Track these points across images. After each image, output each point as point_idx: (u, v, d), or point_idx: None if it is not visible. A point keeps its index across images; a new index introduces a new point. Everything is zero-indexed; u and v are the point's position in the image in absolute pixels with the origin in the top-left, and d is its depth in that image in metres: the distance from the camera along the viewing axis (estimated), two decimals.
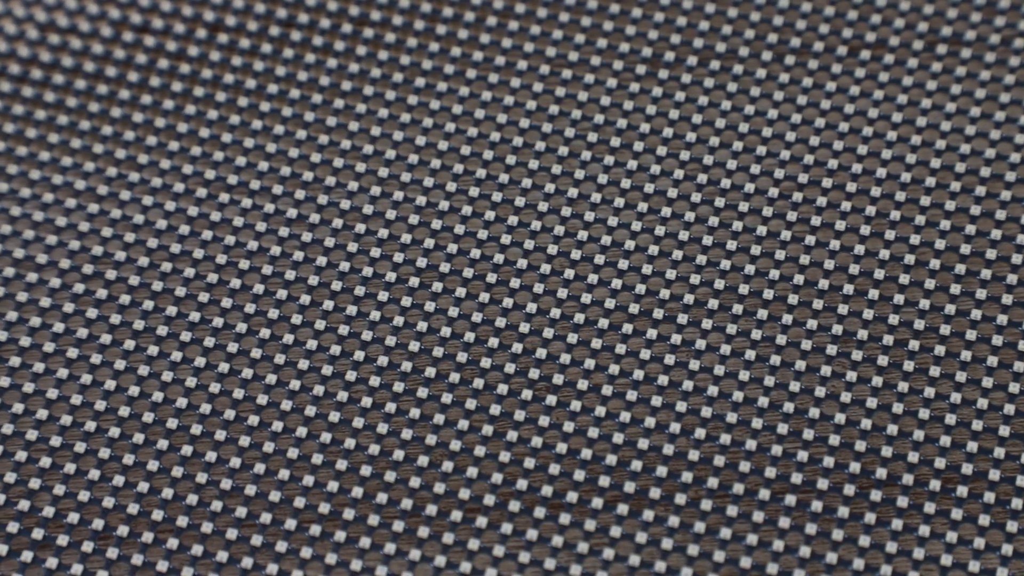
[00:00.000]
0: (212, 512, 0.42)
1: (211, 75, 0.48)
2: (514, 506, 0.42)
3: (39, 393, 0.44)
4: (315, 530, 0.42)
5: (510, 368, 0.44)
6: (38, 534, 0.42)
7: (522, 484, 0.42)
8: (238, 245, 0.45)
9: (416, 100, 0.47)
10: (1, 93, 0.48)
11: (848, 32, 0.47)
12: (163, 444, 0.43)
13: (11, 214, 0.46)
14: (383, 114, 0.47)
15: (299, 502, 0.42)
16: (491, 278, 0.45)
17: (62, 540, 0.42)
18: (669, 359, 0.43)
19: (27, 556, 0.42)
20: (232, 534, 0.42)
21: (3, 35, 0.49)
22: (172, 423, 0.43)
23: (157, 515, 0.42)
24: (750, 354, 0.43)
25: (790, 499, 0.42)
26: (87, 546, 0.42)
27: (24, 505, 0.42)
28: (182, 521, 0.42)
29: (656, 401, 0.43)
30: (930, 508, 0.42)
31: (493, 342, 0.44)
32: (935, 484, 0.42)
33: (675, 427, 0.43)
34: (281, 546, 0.42)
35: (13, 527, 0.42)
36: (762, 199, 0.45)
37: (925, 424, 0.42)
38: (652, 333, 0.44)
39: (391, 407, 0.43)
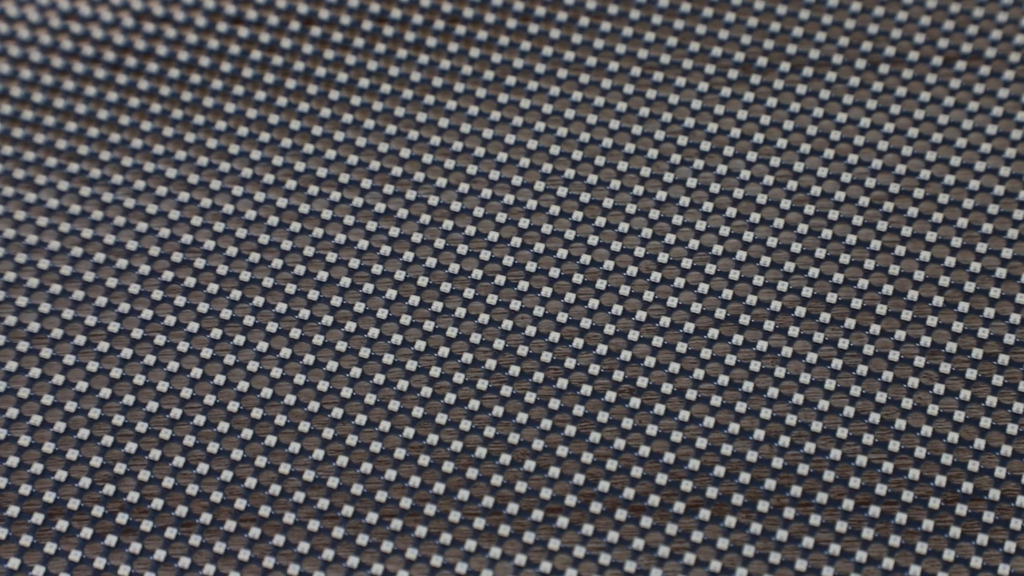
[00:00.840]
0: (295, 503, 0.43)
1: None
2: (595, 507, 0.42)
3: (126, 379, 0.44)
4: (396, 524, 0.42)
5: (594, 369, 0.44)
6: (122, 519, 0.42)
7: (604, 486, 0.42)
8: (326, 238, 0.46)
9: (506, 98, 0.47)
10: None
11: (944, 42, 0.47)
12: (247, 434, 0.43)
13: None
14: (473, 111, 0.47)
15: (381, 496, 0.43)
16: (577, 278, 0.45)
17: (146, 525, 0.42)
18: (755, 365, 0.43)
19: (111, 540, 0.42)
20: (314, 526, 0.42)
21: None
22: (256, 413, 0.43)
23: (240, 504, 0.42)
24: (836, 363, 0.43)
25: (874, 510, 0.42)
26: (170, 532, 0.42)
27: (109, 489, 0.43)
28: (288, 518, 0.42)
29: (740, 407, 0.43)
30: (1016, 524, 0.41)
31: (578, 342, 0.44)
32: (1022, 500, 0.41)
33: (759, 434, 0.42)
34: (362, 539, 0.42)
35: (98, 511, 0.42)
36: (852, 207, 0.45)
37: (1013, 439, 0.42)
38: (738, 339, 0.44)
39: (474, 404, 0.43)
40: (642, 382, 0.43)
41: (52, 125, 0.47)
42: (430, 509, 0.42)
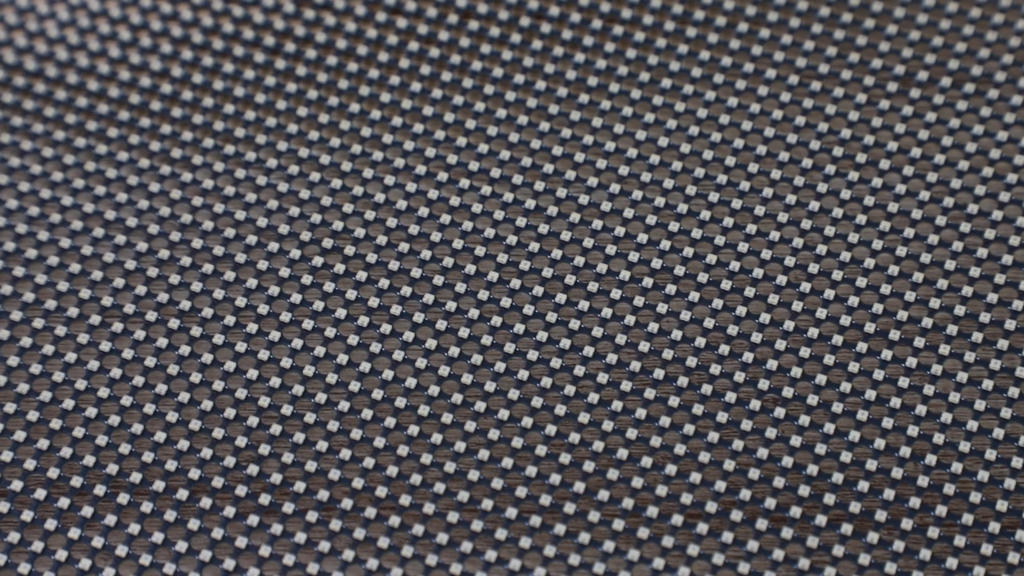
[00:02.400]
0: (435, 494, 0.43)
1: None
2: (736, 515, 0.42)
3: (273, 361, 0.44)
4: (535, 521, 0.42)
5: (739, 377, 0.43)
6: (264, 499, 0.43)
7: (745, 494, 0.42)
8: (475, 231, 0.46)
9: (661, 100, 0.47)
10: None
11: None
12: (390, 422, 0.43)
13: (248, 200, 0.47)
14: (627, 112, 0.47)
15: (521, 491, 0.43)
16: (725, 284, 0.44)
17: (287, 508, 0.43)
18: (903, 382, 0.43)
19: (253, 520, 0.43)
20: (454, 517, 0.42)
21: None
22: (400, 402, 0.44)
23: (380, 491, 0.43)
24: (987, 384, 0.43)
25: (1021, 535, 0.41)
26: (311, 515, 0.43)
27: (253, 470, 0.43)
28: (428, 509, 0.43)
29: (887, 423, 0.42)
30: None
31: (724, 349, 0.44)
32: None
33: (905, 451, 0.42)
34: (501, 534, 0.42)
35: (241, 490, 0.43)
36: (1008, 227, 0.44)
37: None
38: (887, 354, 0.43)
39: (617, 405, 0.43)
40: (788, 392, 0.43)
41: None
42: (569, 507, 0.42)
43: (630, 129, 0.47)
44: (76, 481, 0.43)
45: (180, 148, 0.47)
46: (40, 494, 0.43)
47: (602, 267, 0.45)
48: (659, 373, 0.44)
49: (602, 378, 0.44)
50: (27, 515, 0.43)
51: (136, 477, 0.43)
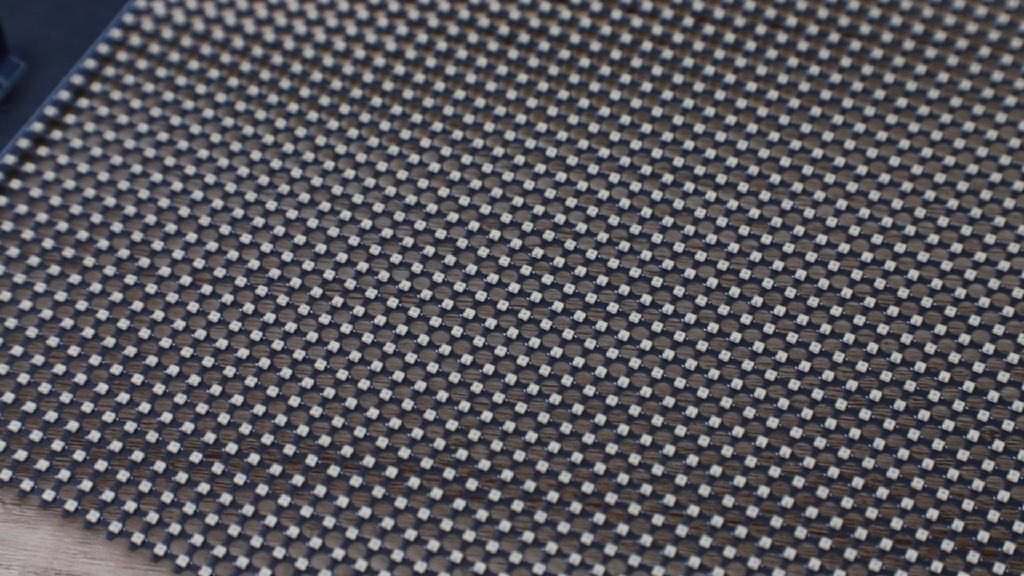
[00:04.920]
0: (641, 495, 0.43)
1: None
2: (947, 545, 0.41)
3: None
4: (741, 532, 0.42)
5: (958, 405, 0.43)
6: (471, 484, 0.43)
7: (958, 525, 0.42)
8: (683, 229, 0.46)
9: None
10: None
11: None
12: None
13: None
14: (835, 117, 0.47)
15: (728, 501, 0.42)
16: (950, 311, 0.44)
17: (494, 495, 0.43)
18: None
19: (459, 504, 0.43)
20: (659, 520, 0.42)
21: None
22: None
23: (587, 487, 0.43)
24: None
25: None
26: (516, 505, 0.43)
27: (462, 454, 0.43)
28: (634, 509, 0.43)
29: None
30: None
31: (944, 376, 0.43)
32: None
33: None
34: (705, 541, 0.42)
35: (449, 473, 0.43)
36: None
37: None
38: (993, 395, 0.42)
39: (831, 423, 0.43)
40: (1008, 426, 0.42)
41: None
42: (776, 521, 0.42)
43: (861, 145, 0.46)
44: (289, 450, 0.43)
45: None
46: (254, 459, 0.43)
47: (823, 283, 0.45)
48: (875, 394, 0.43)
49: (817, 394, 0.43)
50: (239, 478, 0.43)
51: (347, 451, 0.43)
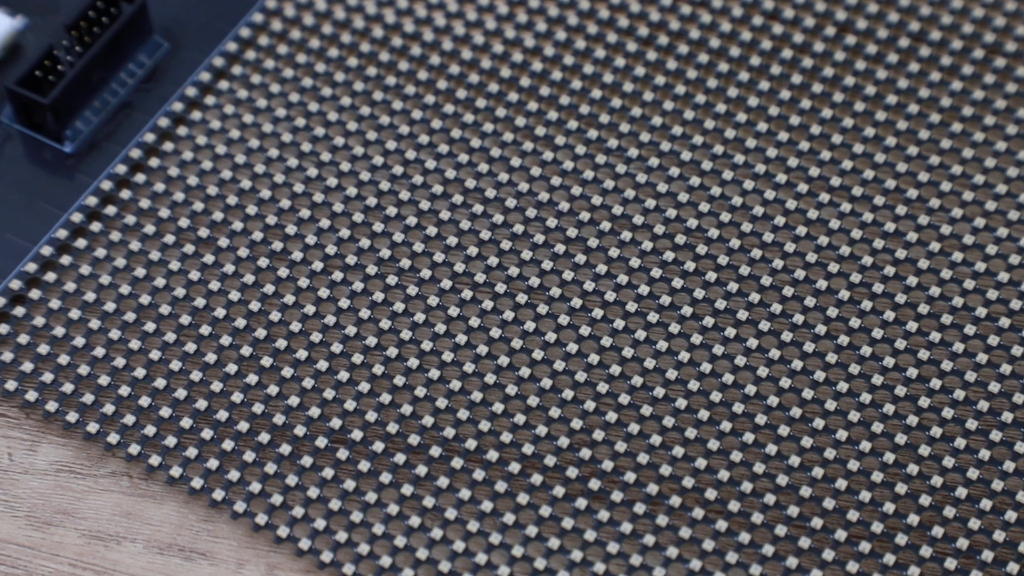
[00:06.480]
0: (764, 505, 0.42)
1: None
2: (1012, 568, 0.41)
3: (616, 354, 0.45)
4: (864, 547, 0.42)
5: None
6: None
7: None
8: (822, 238, 0.45)
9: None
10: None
11: None
12: (726, 427, 0.43)
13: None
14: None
15: (852, 515, 0.42)
16: None
17: (616, 496, 0.43)
18: None
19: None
20: (781, 531, 0.42)
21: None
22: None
23: (710, 494, 0.43)
24: None
25: None
26: (639, 508, 0.43)
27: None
28: (757, 519, 0.42)
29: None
30: None
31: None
32: None
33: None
34: (828, 555, 0.42)
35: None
36: None
37: None
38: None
39: (960, 443, 0.43)
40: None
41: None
42: (901, 539, 0.42)
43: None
44: (413, 440, 0.44)
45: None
46: (378, 446, 0.44)
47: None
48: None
49: (947, 413, 0.43)
50: (364, 465, 0.43)
51: (471, 444, 0.43)
